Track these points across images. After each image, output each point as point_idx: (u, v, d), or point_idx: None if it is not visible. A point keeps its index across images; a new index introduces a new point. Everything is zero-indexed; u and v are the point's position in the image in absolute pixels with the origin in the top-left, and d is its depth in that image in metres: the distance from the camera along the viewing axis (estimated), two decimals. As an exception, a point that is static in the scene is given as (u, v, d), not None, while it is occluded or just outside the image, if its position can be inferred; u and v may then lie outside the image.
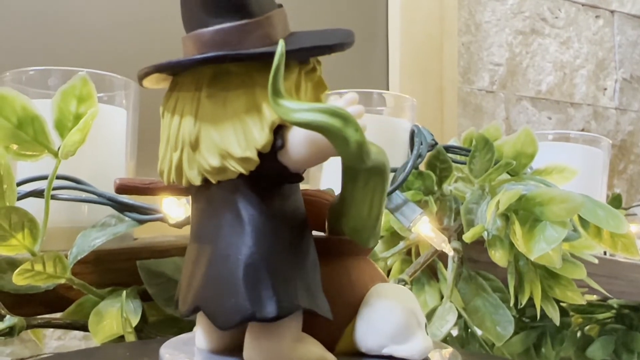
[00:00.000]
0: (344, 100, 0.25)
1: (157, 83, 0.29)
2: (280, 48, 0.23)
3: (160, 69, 0.27)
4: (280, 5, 0.29)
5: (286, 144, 0.25)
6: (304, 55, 0.27)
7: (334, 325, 0.27)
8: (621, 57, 1.35)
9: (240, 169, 0.25)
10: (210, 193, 0.27)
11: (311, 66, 0.28)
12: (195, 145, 0.26)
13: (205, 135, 0.26)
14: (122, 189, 0.38)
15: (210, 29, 0.27)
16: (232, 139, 0.25)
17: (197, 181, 0.26)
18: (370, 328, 0.26)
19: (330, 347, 0.27)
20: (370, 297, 0.27)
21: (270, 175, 0.26)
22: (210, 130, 0.26)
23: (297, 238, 0.26)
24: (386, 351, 0.26)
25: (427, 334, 0.27)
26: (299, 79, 0.27)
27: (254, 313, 0.24)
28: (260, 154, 0.25)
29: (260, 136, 0.25)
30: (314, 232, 0.30)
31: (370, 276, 0.28)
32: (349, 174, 0.25)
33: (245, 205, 0.26)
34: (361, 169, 0.24)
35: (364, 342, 0.26)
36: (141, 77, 0.28)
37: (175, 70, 0.28)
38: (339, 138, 0.23)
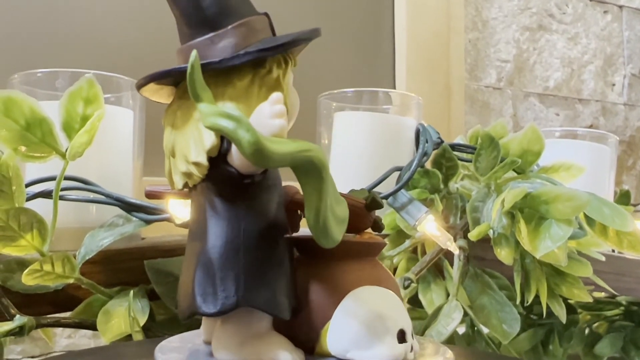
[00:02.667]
0: (269, 100, 0.26)
1: (154, 94, 0.31)
2: (193, 57, 0.25)
3: (143, 83, 0.30)
4: (262, 13, 0.30)
5: (231, 148, 0.27)
6: (236, 60, 0.28)
7: (312, 328, 0.27)
8: (630, 53, 1.34)
9: (197, 173, 0.28)
10: (192, 196, 0.29)
11: (267, 69, 0.29)
12: (173, 153, 0.29)
13: (176, 143, 0.29)
14: (150, 195, 0.39)
15: (188, 43, 0.30)
16: (191, 145, 0.28)
17: (179, 185, 0.29)
18: (336, 332, 0.26)
19: (310, 348, 0.28)
20: (344, 301, 0.27)
21: (227, 178, 0.27)
22: (179, 138, 0.28)
23: (261, 238, 0.27)
24: (349, 356, 0.26)
25: (406, 340, 0.26)
26: (251, 84, 0.28)
27: (199, 308, 0.26)
28: (213, 158, 0.27)
29: (208, 141, 0.27)
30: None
31: (357, 279, 0.28)
32: (295, 174, 0.26)
33: (209, 206, 0.28)
34: (299, 170, 0.25)
35: (332, 345, 0.27)
36: (138, 90, 0.31)
37: (165, 83, 0.30)
38: (234, 140, 0.24)
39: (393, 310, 0.27)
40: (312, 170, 0.25)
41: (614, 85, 1.32)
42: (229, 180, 0.27)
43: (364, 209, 0.31)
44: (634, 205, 0.84)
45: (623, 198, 0.72)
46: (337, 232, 0.26)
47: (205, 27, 0.29)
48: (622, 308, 0.64)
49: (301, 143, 0.25)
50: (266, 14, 0.31)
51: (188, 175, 0.28)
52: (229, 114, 0.24)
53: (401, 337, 0.26)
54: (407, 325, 0.27)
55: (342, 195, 0.31)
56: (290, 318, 0.27)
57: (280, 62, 0.29)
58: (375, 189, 0.50)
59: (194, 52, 0.25)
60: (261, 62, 0.29)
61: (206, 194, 0.28)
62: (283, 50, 0.29)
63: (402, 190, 0.49)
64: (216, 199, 0.28)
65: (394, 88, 1.05)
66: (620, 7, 1.34)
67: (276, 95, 0.26)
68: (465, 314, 0.48)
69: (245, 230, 0.27)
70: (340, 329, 0.26)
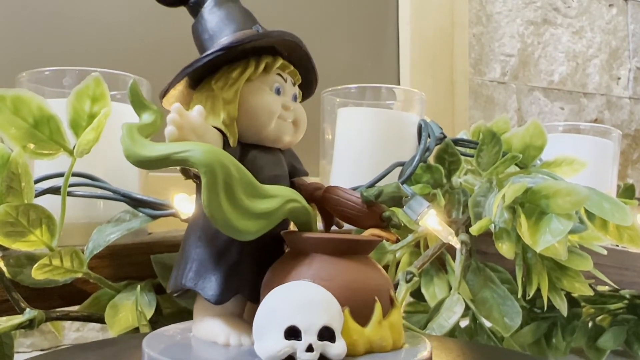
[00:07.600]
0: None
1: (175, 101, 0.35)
2: (129, 84, 0.29)
3: (162, 94, 0.34)
4: (253, 28, 0.33)
5: None
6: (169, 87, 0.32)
7: None
8: (635, 46, 1.33)
9: (181, 173, 0.31)
10: None
11: (215, 80, 0.32)
12: None
13: None
14: None
15: None
16: None
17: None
18: (254, 322, 0.28)
19: None
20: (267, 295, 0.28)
21: (192, 178, 0.31)
22: None
23: (217, 234, 0.30)
24: (254, 345, 0.28)
25: (299, 339, 0.26)
26: (202, 95, 0.32)
27: (167, 287, 0.32)
28: None
29: None
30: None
31: (291, 275, 0.29)
32: None
33: (194, 204, 0.32)
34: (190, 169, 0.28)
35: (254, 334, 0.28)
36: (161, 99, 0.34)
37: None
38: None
39: (292, 308, 0.26)
40: (196, 169, 0.27)
41: (619, 79, 1.31)
42: (194, 180, 0.31)
43: (362, 205, 0.31)
44: (639, 199, 0.84)
45: (627, 192, 0.72)
46: (250, 225, 0.28)
47: (203, 52, 0.33)
48: (625, 301, 0.64)
49: (181, 145, 0.27)
50: (255, 29, 0.33)
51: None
52: (123, 123, 0.28)
53: (290, 334, 0.26)
54: (308, 324, 0.26)
55: (343, 190, 0.32)
56: (253, 305, 0.30)
57: (229, 75, 0.32)
58: (378, 185, 0.51)
59: (131, 80, 0.29)
60: (212, 75, 0.32)
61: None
62: (201, 68, 0.31)
63: (404, 185, 0.50)
64: (196, 197, 0.32)
65: (399, 83, 1.06)
66: (626, 0, 1.33)
67: (174, 106, 0.29)
68: (467, 307, 0.49)
69: (203, 227, 0.31)
70: (254, 320, 0.28)
